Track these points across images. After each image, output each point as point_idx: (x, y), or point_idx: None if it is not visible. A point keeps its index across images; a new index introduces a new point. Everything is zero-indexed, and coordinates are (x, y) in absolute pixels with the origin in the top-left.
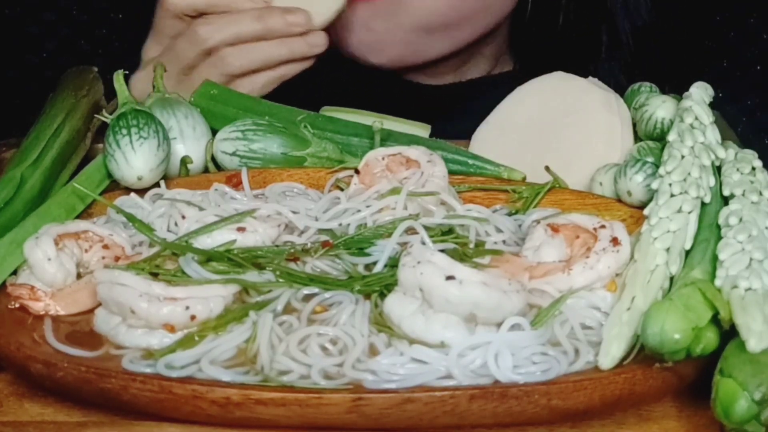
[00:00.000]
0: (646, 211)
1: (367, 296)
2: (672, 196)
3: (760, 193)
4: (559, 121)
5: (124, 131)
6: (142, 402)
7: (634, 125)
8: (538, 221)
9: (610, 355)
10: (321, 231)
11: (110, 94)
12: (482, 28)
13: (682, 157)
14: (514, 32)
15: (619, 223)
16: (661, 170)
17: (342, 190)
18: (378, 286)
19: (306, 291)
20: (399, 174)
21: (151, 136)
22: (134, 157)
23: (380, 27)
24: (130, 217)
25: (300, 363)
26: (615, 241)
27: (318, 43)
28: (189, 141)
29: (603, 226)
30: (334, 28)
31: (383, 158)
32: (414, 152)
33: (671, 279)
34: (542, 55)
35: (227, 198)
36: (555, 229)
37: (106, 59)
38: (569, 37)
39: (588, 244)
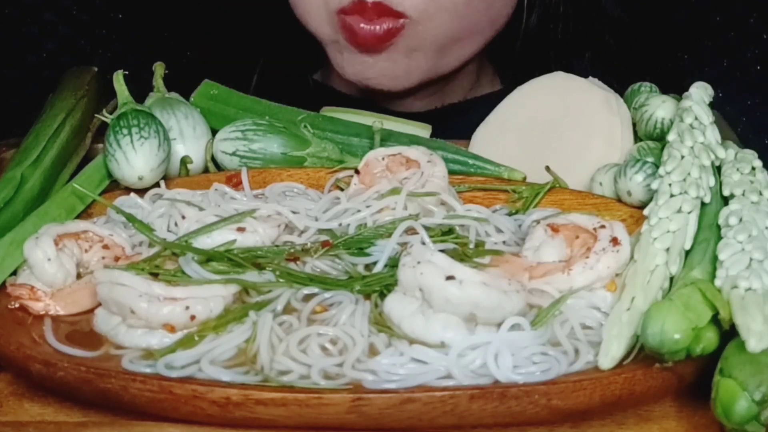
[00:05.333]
0: (645, 211)
1: (367, 296)
2: (672, 196)
3: (760, 193)
4: (559, 121)
5: (125, 131)
6: (142, 402)
7: (634, 125)
8: (538, 221)
9: (610, 355)
10: (321, 231)
11: (110, 94)
12: (487, 39)
13: (682, 157)
14: (500, 49)
15: (619, 223)
16: (661, 170)
17: (342, 190)
18: (378, 286)
19: (306, 291)
20: (399, 174)
21: (152, 136)
22: (135, 157)
23: (402, 63)
24: (130, 218)
25: (300, 363)
26: (615, 241)
27: None
28: (189, 141)
29: (603, 226)
30: (349, 68)
31: (383, 158)
32: (414, 152)
33: (671, 279)
34: (530, 69)
35: (227, 198)
36: (555, 229)
37: (106, 59)
38: (563, 48)
39: (588, 244)
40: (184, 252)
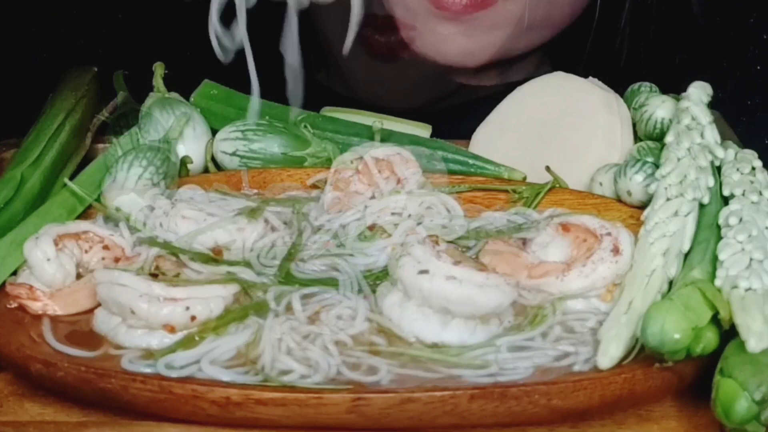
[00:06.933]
0: (643, 215)
1: (367, 296)
2: (668, 199)
3: (760, 193)
4: (559, 121)
5: (125, 131)
6: (142, 402)
7: (634, 125)
8: (551, 218)
9: (609, 354)
10: (321, 231)
11: (110, 94)
12: (558, 29)
13: (679, 159)
14: (561, 39)
15: (625, 232)
16: (658, 173)
17: (342, 190)
18: (378, 286)
19: (306, 291)
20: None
21: (144, 164)
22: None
23: (478, 39)
24: (130, 218)
25: (300, 363)
26: (616, 250)
27: None
28: (189, 141)
29: (609, 234)
30: (420, 39)
31: (352, 162)
32: (381, 153)
33: (669, 282)
34: (587, 62)
35: (227, 198)
36: (566, 228)
37: (106, 59)
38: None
39: (592, 250)
40: (184, 252)
